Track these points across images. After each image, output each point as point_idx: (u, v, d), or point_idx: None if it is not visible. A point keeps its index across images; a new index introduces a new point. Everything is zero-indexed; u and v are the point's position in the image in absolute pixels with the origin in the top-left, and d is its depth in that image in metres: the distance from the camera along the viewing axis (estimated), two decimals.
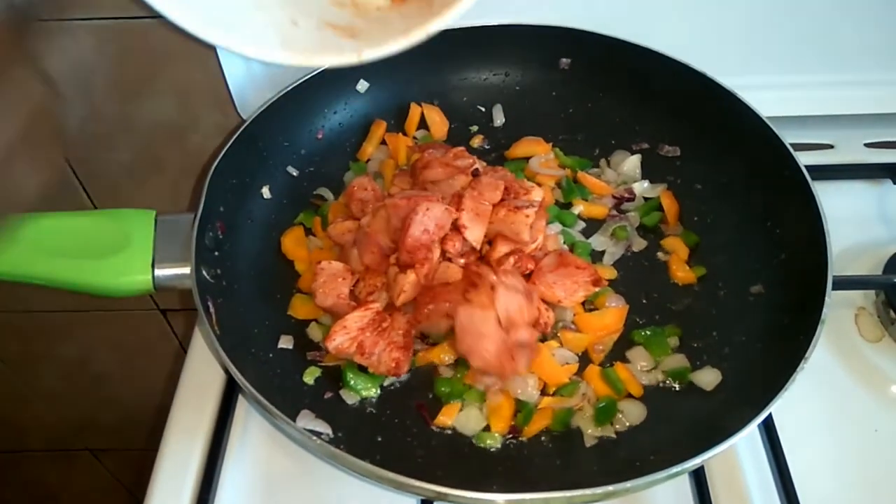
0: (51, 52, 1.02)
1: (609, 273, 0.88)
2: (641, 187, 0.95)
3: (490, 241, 0.83)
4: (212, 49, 0.97)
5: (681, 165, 0.96)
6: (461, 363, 0.79)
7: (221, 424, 0.80)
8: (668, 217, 0.92)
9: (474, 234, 0.81)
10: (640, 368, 0.80)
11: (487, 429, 0.76)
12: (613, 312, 0.83)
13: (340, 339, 0.76)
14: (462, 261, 0.82)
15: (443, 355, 0.80)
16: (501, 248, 0.82)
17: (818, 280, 0.75)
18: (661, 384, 0.79)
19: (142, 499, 0.75)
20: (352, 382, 0.77)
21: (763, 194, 0.88)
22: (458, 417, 0.76)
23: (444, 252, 0.81)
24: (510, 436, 0.75)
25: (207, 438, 0.79)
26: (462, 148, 0.92)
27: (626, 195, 0.94)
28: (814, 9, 0.97)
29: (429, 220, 0.78)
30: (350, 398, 0.77)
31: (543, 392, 0.78)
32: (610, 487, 0.63)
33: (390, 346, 0.77)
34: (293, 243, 0.90)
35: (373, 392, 0.78)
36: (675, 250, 0.90)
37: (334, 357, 0.79)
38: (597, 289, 0.82)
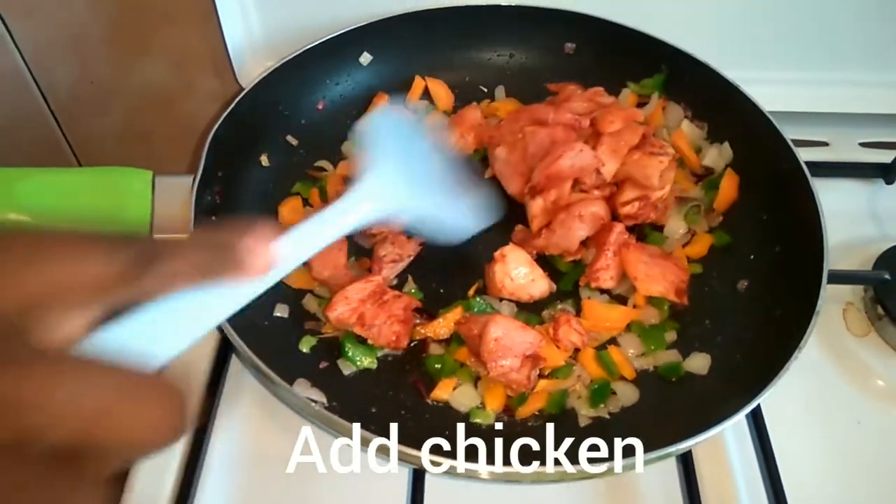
0: (42, 9, 1.00)
1: None
2: None
3: (618, 183, 0.87)
4: (212, 12, 0.96)
5: None
6: (454, 340, 0.79)
7: (210, 401, 0.78)
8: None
9: (608, 168, 0.85)
10: (631, 354, 0.81)
11: (482, 406, 0.76)
12: (622, 311, 0.83)
13: (342, 309, 0.76)
14: (597, 192, 0.85)
15: (439, 330, 0.80)
16: (629, 193, 0.85)
17: (814, 272, 0.76)
18: (652, 368, 0.80)
19: (122, 477, 0.74)
20: (350, 353, 0.77)
21: (760, 188, 0.89)
22: (454, 394, 0.76)
23: (577, 182, 0.85)
24: (504, 414, 0.75)
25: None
26: (601, 88, 0.94)
27: None
28: (816, 5, 0.98)
29: (579, 159, 0.82)
30: (347, 368, 0.77)
31: (539, 374, 0.78)
32: (605, 465, 0.63)
33: (391, 318, 0.77)
34: (290, 213, 0.89)
35: (369, 363, 0.77)
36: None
37: (332, 327, 0.79)
38: (675, 299, 0.82)
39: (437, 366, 0.78)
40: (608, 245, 0.82)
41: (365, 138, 0.60)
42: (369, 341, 0.77)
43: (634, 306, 0.83)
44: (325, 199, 0.90)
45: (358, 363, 0.77)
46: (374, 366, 0.78)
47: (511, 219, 0.88)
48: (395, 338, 0.76)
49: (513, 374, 0.74)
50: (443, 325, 0.80)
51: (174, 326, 0.40)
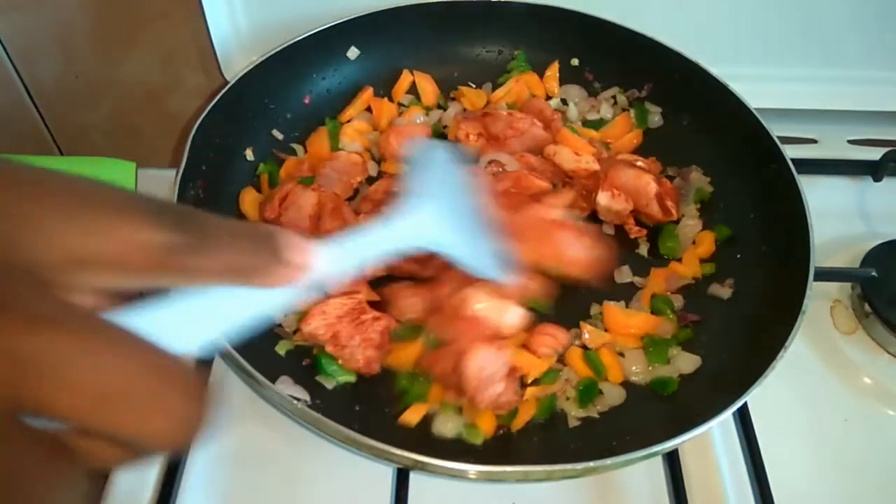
0: (26, 3, 0.99)
1: None
2: None
3: None
4: (198, 6, 0.95)
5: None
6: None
7: None
8: None
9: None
10: (633, 369, 0.78)
11: (473, 425, 0.72)
12: (643, 317, 0.81)
13: (316, 324, 0.73)
14: None
15: (403, 360, 0.76)
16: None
17: (800, 272, 0.76)
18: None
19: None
20: (326, 369, 0.74)
21: (747, 187, 0.89)
22: (436, 423, 0.72)
23: None
24: (498, 429, 0.73)
25: None
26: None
27: None
28: (806, 2, 0.98)
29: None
30: (328, 384, 0.74)
31: (524, 384, 0.75)
32: (591, 464, 0.63)
33: (365, 342, 0.74)
34: (251, 205, 0.87)
35: (347, 378, 0.75)
36: None
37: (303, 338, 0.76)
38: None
39: (404, 383, 0.74)
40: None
41: (414, 168, 0.58)
42: (340, 361, 0.74)
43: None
44: (274, 186, 0.87)
45: (336, 378, 0.74)
46: (353, 380, 0.75)
47: None
48: (366, 363, 0.73)
49: (502, 399, 0.71)
50: (410, 355, 0.75)
51: (194, 322, 0.37)
